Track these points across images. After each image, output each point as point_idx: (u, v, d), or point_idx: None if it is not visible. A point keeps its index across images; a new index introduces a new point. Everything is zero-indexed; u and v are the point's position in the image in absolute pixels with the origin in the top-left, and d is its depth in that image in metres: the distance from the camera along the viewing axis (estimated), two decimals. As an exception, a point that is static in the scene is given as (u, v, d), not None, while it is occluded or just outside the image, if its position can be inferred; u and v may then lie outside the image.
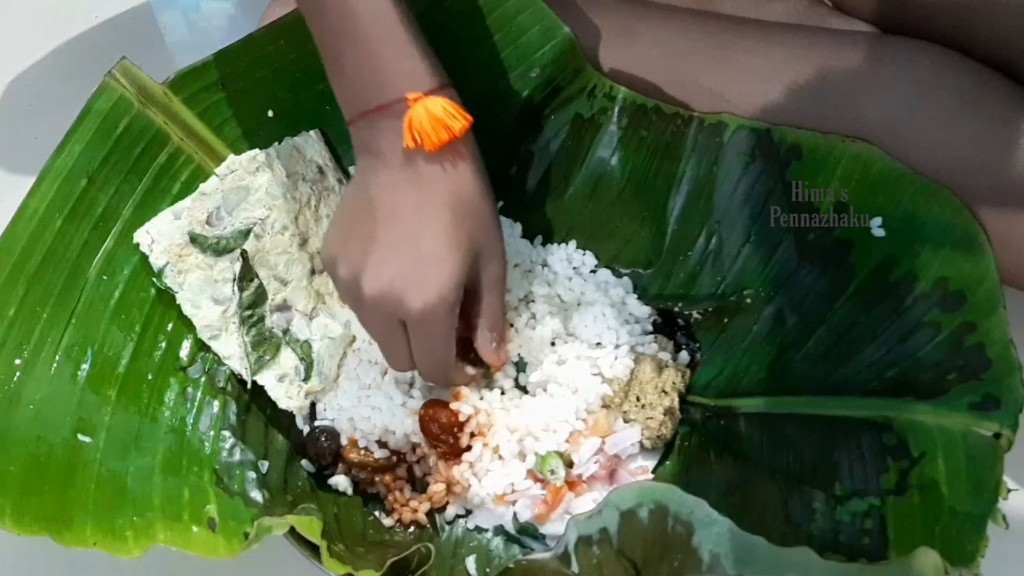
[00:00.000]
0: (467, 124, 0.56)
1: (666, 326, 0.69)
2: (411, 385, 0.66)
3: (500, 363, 0.64)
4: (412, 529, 0.65)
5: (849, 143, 0.62)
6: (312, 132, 0.69)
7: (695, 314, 0.68)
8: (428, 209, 0.56)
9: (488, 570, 0.63)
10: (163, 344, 0.64)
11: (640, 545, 0.54)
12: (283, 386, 0.65)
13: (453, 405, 0.64)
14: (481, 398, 0.66)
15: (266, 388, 0.65)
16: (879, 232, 0.61)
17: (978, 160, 0.60)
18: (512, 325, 0.67)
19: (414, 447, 0.66)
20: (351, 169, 0.71)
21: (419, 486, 0.66)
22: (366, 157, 0.58)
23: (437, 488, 0.65)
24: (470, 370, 0.64)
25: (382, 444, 0.65)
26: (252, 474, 0.63)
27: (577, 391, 0.65)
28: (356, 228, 0.57)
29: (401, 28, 0.56)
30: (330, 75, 0.58)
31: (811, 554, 0.50)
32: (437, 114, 0.55)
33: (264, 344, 0.65)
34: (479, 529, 0.65)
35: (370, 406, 0.65)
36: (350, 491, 0.66)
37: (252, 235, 0.65)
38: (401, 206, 0.56)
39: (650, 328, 0.69)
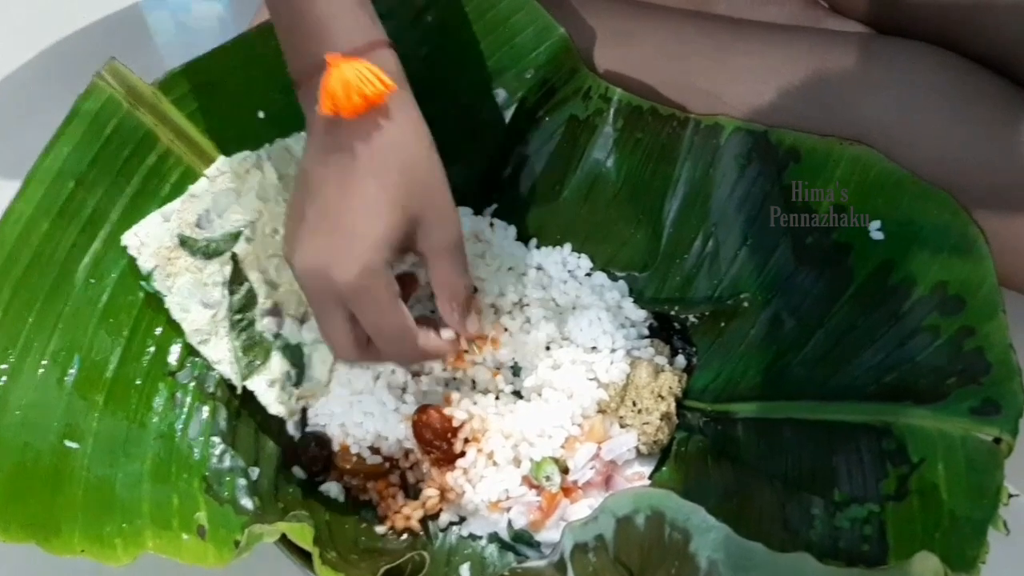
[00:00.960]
0: (385, 91, 0.52)
1: (662, 330, 0.69)
2: (404, 390, 0.66)
3: (469, 334, 0.61)
4: (405, 536, 0.64)
5: (847, 146, 0.62)
6: (303, 133, 0.68)
7: (691, 318, 0.67)
8: (350, 180, 0.53)
9: (482, 578, 0.63)
10: (152, 349, 0.63)
11: (637, 552, 0.53)
12: (274, 391, 0.64)
13: (447, 411, 0.63)
14: (475, 403, 0.65)
15: (256, 393, 0.64)
16: (877, 235, 0.61)
17: (975, 161, 0.60)
18: (506, 329, 0.66)
19: (407, 453, 0.65)
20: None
21: (412, 493, 0.65)
22: (307, 132, 0.56)
23: (430, 495, 0.64)
24: (445, 333, 0.61)
25: (374, 450, 0.64)
26: (242, 481, 0.62)
27: (572, 396, 0.64)
28: (292, 209, 0.56)
29: None
30: (279, 37, 0.57)
31: (809, 559, 0.50)
32: (353, 78, 0.51)
33: (254, 348, 0.64)
34: (473, 536, 0.64)
35: (362, 411, 0.65)
36: (342, 498, 0.65)
37: (242, 238, 0.65)
38: (323, 179, 0.54)
39: (646, 332, 0.69)
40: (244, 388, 0.64)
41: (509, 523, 0.63)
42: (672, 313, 0.68)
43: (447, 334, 0.61)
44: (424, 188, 0.55)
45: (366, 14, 0.54)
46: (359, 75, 0.51)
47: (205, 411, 0.64)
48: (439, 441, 0.63)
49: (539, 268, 0.70)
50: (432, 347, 0.59)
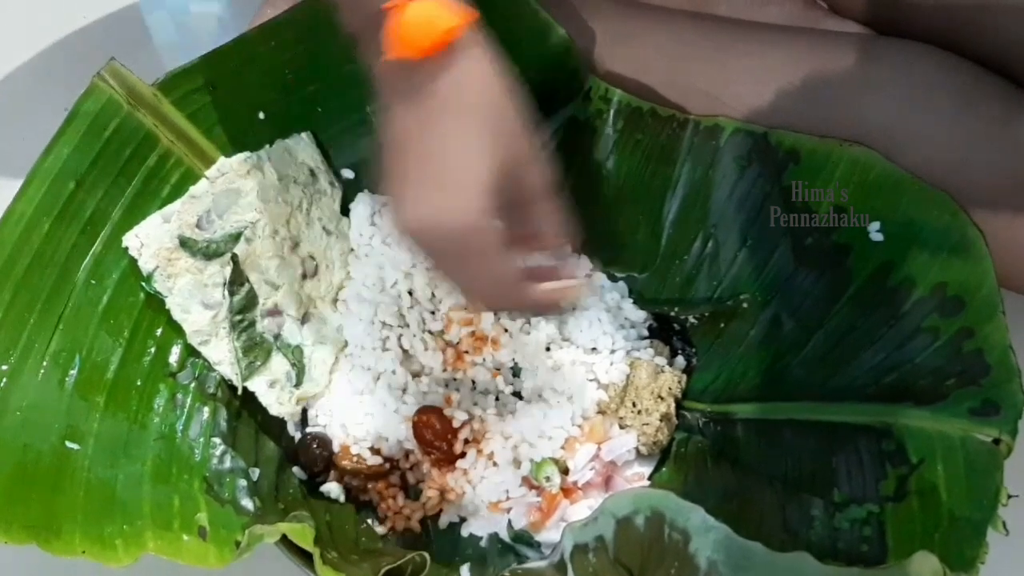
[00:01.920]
0: (463, 22, 0.48)
1: (662, 331, 0.69)
2: (404, 391, 0.66)
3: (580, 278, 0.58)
4: (405, 537, 0.64)
5: (847, 147, 0.62)
6: (303, 134, 0.68)
7: (691, 319, 0.67)
8: (439, 124, 0.50)
9: (483, 578, 0.63)
10: (152, 350, 0.64)
11: (637, 552, 0.53)
12: (274, 392, 0.64)
13: (447, 411, 0.63)
14: (475, 404, 0.65)
15: (257, 394, 0.64)
16: (877, 236, 0.61)
17: (975, 161, 0.60)
18: (506, 330, 0.66)
19: (407, 454, 0.65)
20: (343, 172, 0.70)
21: (412, 493, 0.65)
22: (380, 92, 0.52)
23: (431, 495, 0.64)
24: (547, 286, 0.56)
25: (375, 451, 0.64)
26: (243, 482, 0.62)
27: (572, 397, 0.64)
28: (389, 172, 0.52)
29: None
30: (351, 35, 0.53)
31: (809, 559, 0.50)
32: (420, 16, 0.48)
33: (255, 349, 0.64)
34: (473, 537, 0.64)
35: (363, 412, 0.65)
36: (342, 499, 0.65)
37: (243, 239, 0.65)
38: (403, 133, 0.50)
39: (646, 333, 0.69)
40: (245, 389, 0.64)
41: (509, 524, 0.63)
42: (672, 314, 0.68)
43: (548, 286, 0.56)
44: (513, 125, 0.52)
45: None
46: (428, 12, 0.48)
47: (206, 412, 0.64)
48: (439, 442, 0.63)
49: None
50: (539, 298, 0.55)
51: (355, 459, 0.64)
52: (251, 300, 0.65)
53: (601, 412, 0.65)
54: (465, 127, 0.50)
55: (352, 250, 0.69)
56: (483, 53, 0.50)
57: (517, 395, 0.66)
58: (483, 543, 0.64)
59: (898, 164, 0.60)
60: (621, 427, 0.65)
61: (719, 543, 0.51)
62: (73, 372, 0.61)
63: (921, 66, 0.62)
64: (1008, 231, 0.59)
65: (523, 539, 0.63)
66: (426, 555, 0.55)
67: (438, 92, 0.49)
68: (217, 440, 0.63)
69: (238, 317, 0.64)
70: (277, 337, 0.65)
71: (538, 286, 0.55)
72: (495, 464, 0.63)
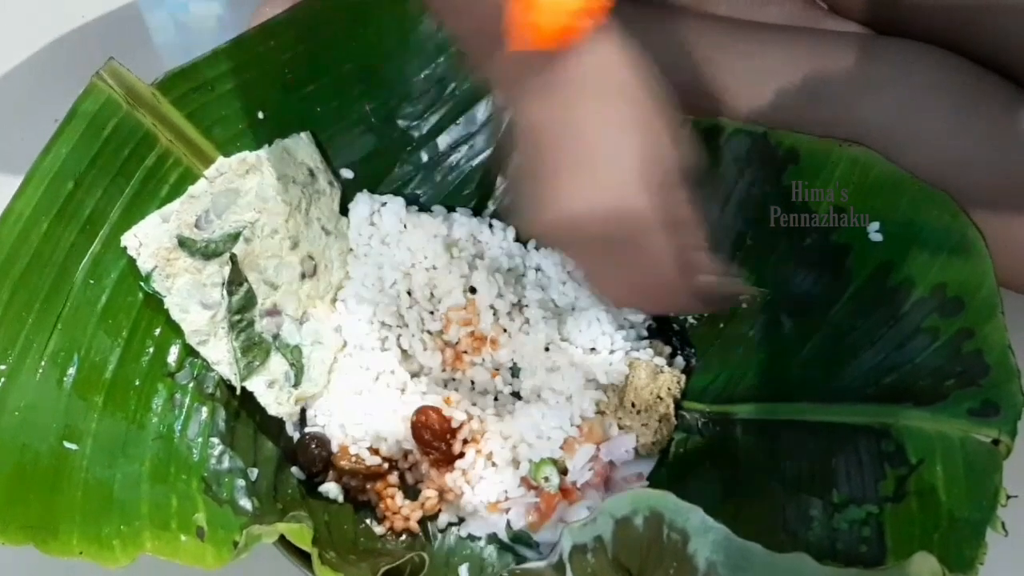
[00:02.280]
0: (593, 5, 0.46)
1: (661, 331, 0.69)
2: (403, 391, 0.66)
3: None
4: (404, 537, 0.64)
5: (847, 147, 0.62)
6: (303, 134, 0.68)
7: (690, 319, 0.67)
8: (573, 114, 0.47)
9: (481, 579, 0.63)
10: (151, 349, 0.63)
11: (635, 553, 0.53)
12: (273, 392, 0.64)
13: (446, 411, 0.63)
14: (474, 404, 0.65)
15: (255, 394, 0.64)
16: (877, 237, 0.61)
17: (976, 161, 0.60)
18: (505, 330, 0.66)
19: (406, 454, 0.65)
20: (342, 171, 0.70)
21: (411, 494, 0.65)
22: (504, 95, 0.51)
23: (429, 495, 0.64)
24: (710, 278, 0.55)
25: (373, 451, 0.64)
26: (241, 482, 0.62)
27: (571, 397, 0.64)
28: (525, 175, 0.50)
29: None
30: (460, 41, 0.52)
31: (808, 560, 0.50)
32: (549, 5, 0.45)
33: (254, 349, 0.64)
34: (472, 537, 0.64)
35: (361, 412, 0.65)
36: (341, 499, 0.65)
37: (242, 238, 0.65)
38: (542, 127, 0.48)
39: (645, 333, 0.68)
40: (243, 389, 0.64)
41: (508, 524, 0.63)
42: (671, 315, 0.68)
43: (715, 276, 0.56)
44: (656, 106, 0.50)
45: None
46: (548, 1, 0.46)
47: (204, 412, 0.64)
48: (438, 442, 0.63)
49: (538, 269, 0.69)
50: (712, 284, 0.55)
51: (354, 459, 0.64)
52: (250, 300, 0.65)
53: (600, 412, 0.65)
54: (611, 109, 0.48)
55: (351, 250, 0.69)
56: (615, 36, 0.49)
57: (516, 395, 0.66)
58: (482, 543, 0.64)
59: (898, 164, 0.60)
60: (620, 427, 0.65)
61: (718, 544, 0.51)
62: (71, 372, 0.60)
63: (921, 66, 0.62)
64: (1008, 231, 0.59)
65: (522, 539, 0.63)
66: (425, 555, 0.55)
67: (576, 78, 0.47)
68: (215, 440, 0.63)
69: (237, 317, 0.64)
70: (276, 337, 0.65)
71: (704, 277, 0.54)
72: (494, 464, 0.63)
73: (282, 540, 0.56)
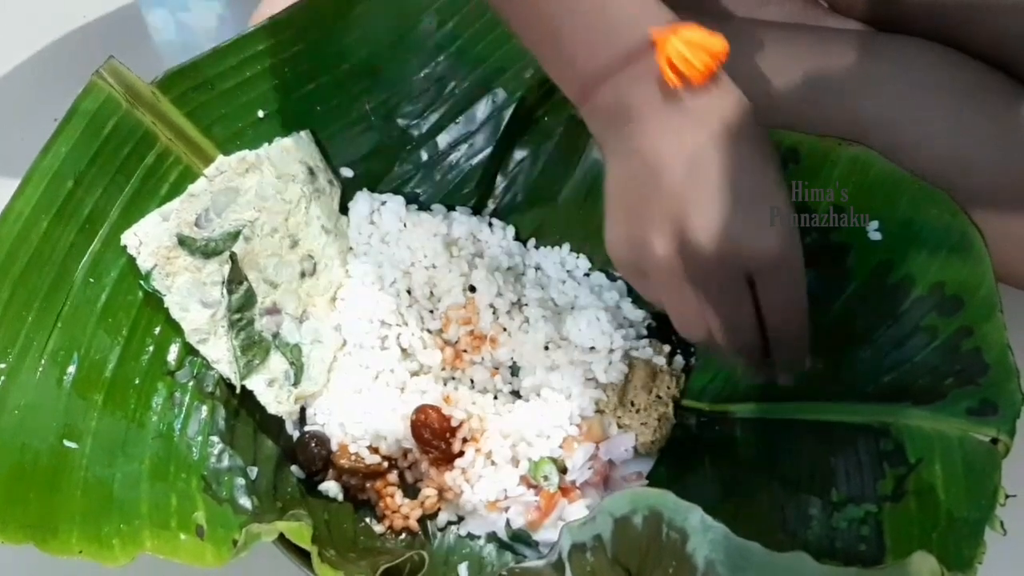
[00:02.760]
0: (726, 45, 0.49)
1: (660, 330, 0.69)
2: (403, 390, 0.66)
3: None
4: (403, 536, 0.64)
5: (846, 146, 0.62)
6: (303, 133, 0.68)
7: (690, 318, 0.67)
8: (729, 142, 0.48)
9: (481, 577, 0.63)
10: (150, 348, 0.63)
11: (635, 552, 0.53)
12: (272, 391, 0.64)
13: (445, 410, 0.63)
14: (473, 403, 0.65)
15: (255, 393, 0.64)
16: (876, 235, 0.61)
17: (977, 158, 0.60)
18: (505, 329, 0.66)
19: (405, 453, 0.65)
20: (342, 170, 0.70)
21: (410, 492, 0.65)
22: (619, 130, 0.50)
23: (429, 494, 0.64)
24: None
25: (373, 449, 0.64)
26: (241, 480, 0.62)
27: (571, 396, 0.64)
28: (646, 199, 0.49)
29: None
30: (548, 61, 0.53)
31: (807, 559, 0.50)
32: (695, 40, 0.48)
33: (253, 348, 0.64)
34: (471, 536, 0.64)
35: (361, 411, 0.65)
36: (341, 497, 0.65)
37: (241, 237, 0.65)
38: (698, 147, 0.48)
39: (644, 332, 0.68)
40: (243, 387, 0.64)
41: (507, 523, 0.63)
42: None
43: None
44: (769, 145, 0.51)
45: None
46: (698, 36, 0.48)
47: (204, 410, 0.64)
48: (437, 440, 0.63)
49: (538, 268, 0.69)
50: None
51: (353, 458, 0.64)
52: (250, 299, 0.65)
53: (599, 411, 0.65)
54: (754, 146, 0.49)
55: (351, 248, 0.69)
56: (729, 79, 0.51)
57: (515, 394, 0.66)
58: (481, 542, 0.64)
59: (898, 161, 0.60)
60: (619, 426, 0.65)
61: (717, 543, 0.51)
62: (71, 371, 0.61)
63: (922, 63, 0.62)
64: (1009, 228, 0.59)
65: (521, 538, 0.63)
66: (424, 554, 0.55)
67: (720, 113, 0.49)
68: (215, 439, 0.63)
69: (236, 315, 0.64)
70: (276, 336, 0.65)
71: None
72: (493, 463, 0.63)
73: (282, 539, 0.56)
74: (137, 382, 0.62)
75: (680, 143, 0.49)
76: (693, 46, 0.48)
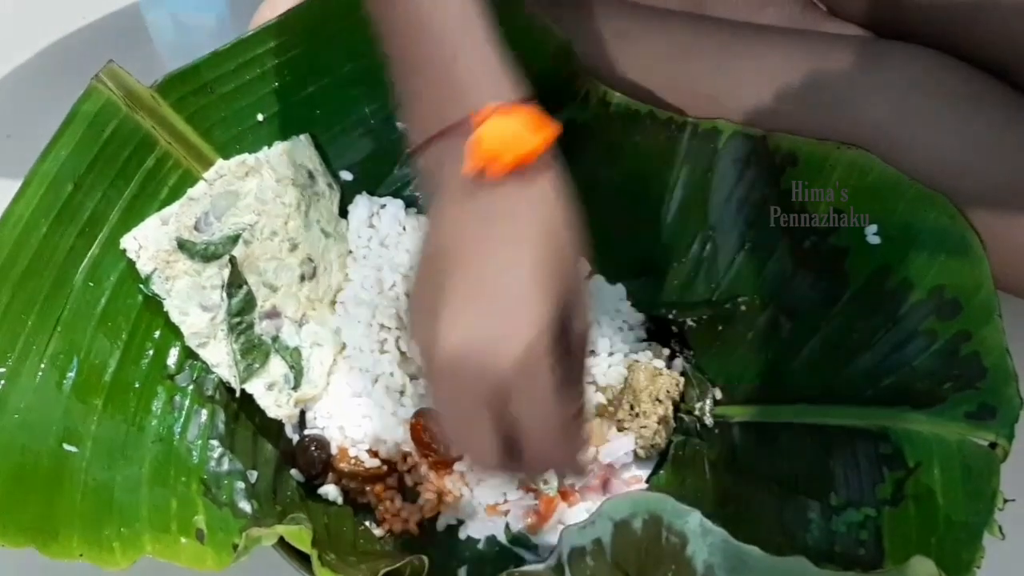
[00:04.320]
0: (550, 138, 0.46)
1: (660, 333, 0.69)
2: (402, 393, 0.66)
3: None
4: (403, 539, 0.64)
5: (845, 150, 0.62)
6: (302, 136, 0.68)
7: (689, 321, 0.67)
8: (503, 248, 0.45)
9: (480, 581, 0.63)
10: (150, 352, 0.64)
11: (634, 555, 0.53)
12: (272, 394, 0.64)
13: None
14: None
15: (255, 396, 0.64)
16: (874, 239, 0.61)
17: (976, 164, 0.60)
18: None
19: (405, 456, 0.65)
20: (341, 173, 0.70)
21: (410, 496, 0.65)
22: (430, 196, 0.48)
23: (428, 498, 0.64)
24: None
25: (373, 453, 0.64)
26: (241, 484, 0.62)
27: (570, 399, 0.64)
28: (427, 283, 0.47)
29: (480, 30, 0.48)
30: (401, 100, 0.50)
31: (806, 563, 0.50)
32: (505, 132, 0.45)
33: (253, 351, 0.64)
34: (471, 539, 0.64)
35: (360, 415, 0.65)
36: (340, 501, 0.65)
37: (241, 241, 0.65)
38: (470, 247, 0.46)
39: (644, 336, 0.69)
40: (243, 391, 0.64)
41: (507, 526, 0.63)
42: (670, 317, 0.68)
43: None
44: (570, 264, 0.48)
45: (512, 69, 0.48)
46: (514, 128, 0.45)
47: (204, 414, 0.64)
48: (437, 444, 0.63)
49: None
50: (583, 466, 0.51)
51: (353, 461, 0.64)
52: (249, 302, 0.65)
53: (599, 415, 0.65)
54: (532, 258, 0.45)
55: (350, 252, 0.69)
56: (556, 177, 0.47)
57: (515, 397, 0.66)
58: (480, 546, 0.64)
59: (897, 166, 0.60)
60: (619, 430, 0.65)
61: (716, 546, 0.51)
62: (71, 374, 0.61)
63: (921, 68, 0.62)
64: (1008, 235, 0.59)
65: (521, 542, 0.63)
66: (424, 558, 0.55)
67: (508, 215, 0.46)
68: (215, 442, 0.63)
69: (236, 319, 0.64)
70: (275, 339, 0.65)
71: (582, 442, 0.51)
72: (493, 467, 0.63)
73: (282, 542, 0.56)
74: (137, 386, 0.63)
75: (461, 234, 0.46)
76: (506, 137, 0.45)
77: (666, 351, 0.68)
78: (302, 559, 0.56)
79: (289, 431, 0.66)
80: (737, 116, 0.65)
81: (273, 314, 0.66)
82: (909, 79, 0.62)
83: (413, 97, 0.49)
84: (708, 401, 0.66)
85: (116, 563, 0.57)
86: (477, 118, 0.46)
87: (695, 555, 0.52)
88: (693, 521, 0.51)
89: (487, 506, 0.63)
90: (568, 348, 0.47)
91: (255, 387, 0.64)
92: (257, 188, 0.65)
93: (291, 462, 0.65)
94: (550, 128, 0.46)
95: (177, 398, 0.63)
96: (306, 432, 0.66)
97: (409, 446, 0.64)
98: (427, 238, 0.48)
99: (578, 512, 0.63)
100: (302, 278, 0.67)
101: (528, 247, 0.45)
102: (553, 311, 0.45)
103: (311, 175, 0.68)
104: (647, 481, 0.65)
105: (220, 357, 0.64)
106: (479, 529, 0.64)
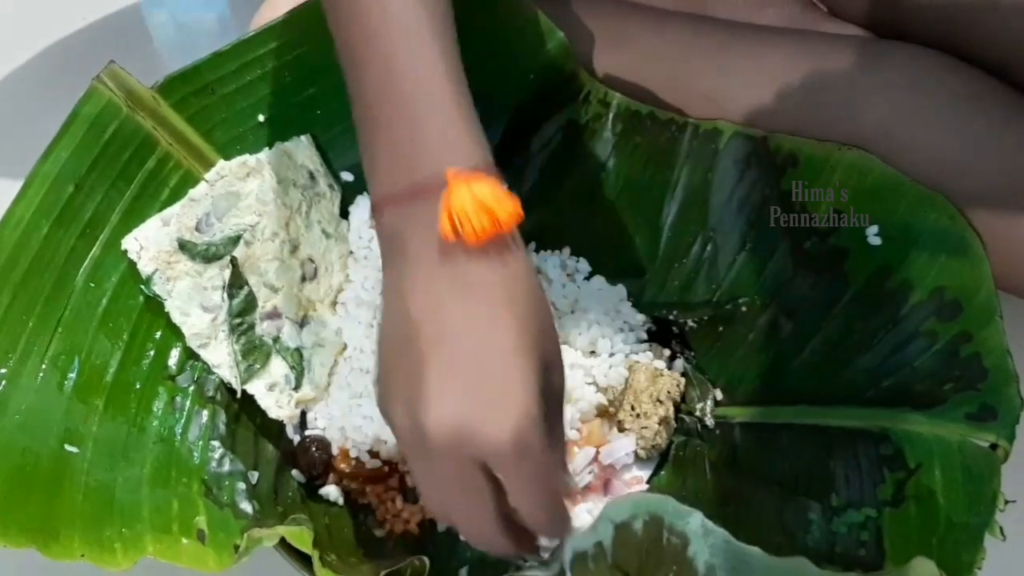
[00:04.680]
0: (518, 215, 0.45)
1: (661, 334, 0.69)
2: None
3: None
4: (404, 540, 0.64)
5: (845, 151, 0.62)
6: (303, 137, 0.68)
7: (690, 322, 0.67)
8: (484, 317, 0.44)
9: (481, 582, 0.63)
10: (151, 353, 0.64)
11: (634, 557, 0.53)
12: (273, 395, 0.64)
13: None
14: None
15: (256, 397, 0.64)
16: (875, 240, 0.61)
17: (976, 165, 0.60)
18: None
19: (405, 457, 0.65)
20: (342, 174, 0.70)
21: (411, 496, 0.65)
22: (394, 257, 0.46)
23: (429, 498, 0.64)
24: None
25: (373, 454, 0.64)
26: (242, 485, 0.62)
27: (571, 400, 0.64)
28: (399, 355, 0.45)
29: (454, 100, 0.47)
30: (362, 150, 0.48)
31: (807, 564, 0.50)
32: (482, 198, 0.44)
33: (254, 352, 0.64)
34: (471, 540, 0.64)
35: (361, 415, 0.64)
36: (341, 501, 0.65)
37: (242, 242, 0.65)
38: (448, 317, 0.44)
39: (645, 336, 0.69)
40: (244, 392, 0.64)
41: (508, 527, 0.63)
42: (671, 317, 0.68)
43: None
44: (545, 327, 0.47)
45: (481, 134, 0.48)
46: (492, 194, 0.44)
47: (204, 415, 0.64)
48: (438, 445, 0.63)
49: (538, 271, 0.69)
50: (565, 526, 0.50)
51: (354, 462, 0.64)
52: (250, 303, 0.65)
53: (600, 415, 0.65)
54: (515, 328, 0.45)
55: (351, 253, 0.69)
56: (522, 246, 0.47)
57: (516, 398, 0.66)
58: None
59: (897, 167, 0.60)
60: (620, 431, 0.65)
61: (717, 547, 0.51)
62: (72, 375, 0.61)
63: (921, 69, 0.62)
64: (1009, 235, 0.59)
65: (522, 543, 0.63)
66: (426, 559, 0.55)
67: (488, 285, 0.45)
68: (216, 443, 0.63)
69: (237, 320, 0.64)
70: (276, 340, 0.65)
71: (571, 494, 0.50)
72: (493, 467, 0.63)
73: (283, 543, 0.56)
74: (138, 387, 0.63)
75: (436, 305, 0.45)
76: (480, 204, 0.44)
77: (667, 352, 0.68)
78: (303, 560, 0.56)
79: (290, 432, 0.66)
80: (737, 116, 0.65)
81: (274, 315, 0.65)
82: (909, 79, 0.62)
83: (377, 152, 0.48)
84: (709, 402, 0.66)
85: (118, 564, 0.57)
86: (451, 183, 0.44)
87: (696, 556, 0.52)
88: (694, 522, 0.51)
89: (488, 507, 0.63)
90: (548, 403, 0.46)
91: (256, 388, 0.64)
92: (258, 189, 0.65)
93: (292, 463, 0.65)
94: (517, 201, 0.45)
95: (178, 399, 0.63)
96: (307, 433, 0.66)
97: (410, 447, 0.64)
98: (393, 304, 0.46)
99: (579, 513, 0.63)
100: (303, 279, 0.67)
101: (510, 318, 0.45)
102: (538, 379, 0.45)
103: (312, 176, 0.68)
104: (648, 482, 0.65)
105: (221, 358, 0.64)
106: (479, 529, 0.64)
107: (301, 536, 0.55)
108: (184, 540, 0.59)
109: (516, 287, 0.45)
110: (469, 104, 0.48)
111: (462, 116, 0.47)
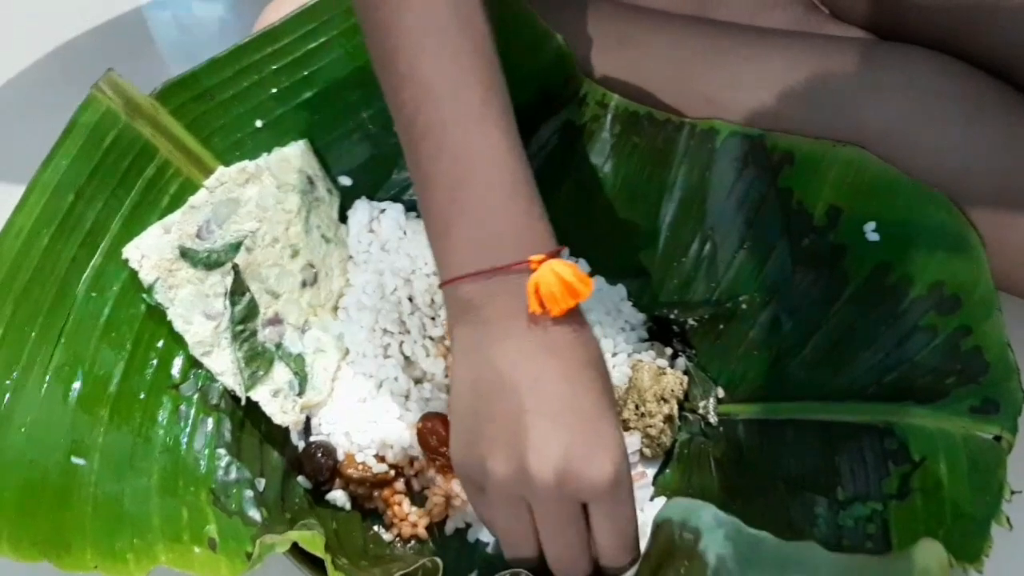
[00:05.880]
0: (590, 289, 0.51)
1: (661, 333, 0.69)
2: (407, 398, 0.66)
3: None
4: (412, 543, 0.64)
5: (840, 148, 0.63)
6: (301, 142, 0.68)
7: (691, 321, 0.68)
8: (575, 373, 0.50)
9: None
10: (154, 361, 0.63)
11: (645, 556, 0.54)
12: (277, 401, 0.64)
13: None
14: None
15: (260, 404, 0.64)
16: (873, 236, 0.62)
17: (979, 167, 0.61)
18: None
19: (412, 460, 0.65)
20: (340, 179, 0.70)
21: (418, 500, 0.65)
22: (473, 325, 0.51)
23: (436, 501, 0.64)
24: None
25: (380, 458, 0.64)
26: (249, 492, 0.62)
27: (576, 400, 0.64)
28: (490, 416, 0.50)
29: (524, 183, 0.52)
30: (431, 228, 0.53)
31: (817, 548, 0.50)
32: (566, 278, 0.49)
33: (257, 359, 0.64)
34: (480, 543, 0.65)
35: (366, 420, 0.64)
36: (348, 506, 0.65)
37: (243, 248, 0.64)
38: (544, 373, 0.50)
39: (646, 335, 0.69)
40: (248, 399, 0.64)
41: (517, 528, 0.63)
42: (671, 316, 0.68)
43: None
44: (610, 385, 0.53)
45: (543, 207, 0.53)
46: (574, 274, 0.50)
47: (210, 423, 0.63)
48: (444, 448, 0.63)
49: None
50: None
51: (360, 467, 0.64)
52: (252, 310, 0.65)
53: (604, 415, 0.65)
54: (596, 377, 0.51)
55: (351, 257, 0.69)
56: (586, 320, 0.52)
57: (520, 399, 0.67)
58: (489, 549, 0.64)
59: (900, 168, 0.61)
60: (625, 429, 0.65)
61: (729, 536, 0.51)
62: (76, 386, 0.60)
63: (924, 71, 0.63)
64: (1011, 236, 0.60)
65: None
66: (439, 560, 0.55)
67: (569, 347, 0.50)
68: (222, 451, 0.63)
69: (239, 327, 0.64)
70: (278, 346, 0.65)
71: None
72: (501, 469, 0.63)
73: (293, 549, 0.55)
74: (142, 396, 0.62)
75: (529, 367, 0.50)
76: (562, 281, 0.49)
77: (668, 350, 0.68)
78: (315, 565, 0.56)
79: (295, 438, 0.66)
80: (739, 119, 0.65)
81: (276, 321, 0.65)
82: (913, 82, 0.62)
83: (454, 230, 0.52)
84: (712, 399, 0.66)
85: (131, 573, 0.56)
86: (535, 266, 0.50)
87: (707, 548, 0.52)
88: (707, 514, 0.52)
89: (497, 509, 0.63)
90: None
91: (260, 394, 0.64)
92: (258, 195, 0.65)
93: (298, 469, 0.65)
94: (589, 282, 0.50)
95: (183, 407, 0.63)
96: (312, 438, 0.66)
97: (415, 450, 0.64)
98: (475, 360, 0.51)
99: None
100: (303, 284, 0.67)
101: (594, 372, 0.51)
102: (619, 423, 0.51)
103: (311, 181, 0.68)
104: (653, 480, 0.66)
105: (224, 365, 0.64)
106: (488, 532, 0.64)
107: (313, 540, 0.55)
108: (196, 549, 0.58)
109: (592, 347, 0.51)
110: (533, 180, 0.52)
111: (533, 198, 0.52)
